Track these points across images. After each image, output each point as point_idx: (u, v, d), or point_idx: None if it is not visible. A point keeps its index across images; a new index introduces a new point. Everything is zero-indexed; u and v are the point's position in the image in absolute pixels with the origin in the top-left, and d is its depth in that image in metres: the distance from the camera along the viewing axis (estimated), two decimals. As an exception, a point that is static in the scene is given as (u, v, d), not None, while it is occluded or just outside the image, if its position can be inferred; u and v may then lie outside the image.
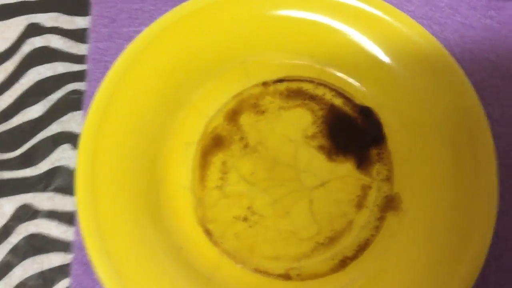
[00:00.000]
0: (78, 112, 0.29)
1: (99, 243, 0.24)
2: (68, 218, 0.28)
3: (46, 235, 0.27)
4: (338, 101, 0.29)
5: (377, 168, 0.28)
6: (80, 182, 0.25)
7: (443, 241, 0.25)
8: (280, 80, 0.30)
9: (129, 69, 0.27)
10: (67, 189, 0.28)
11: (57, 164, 0.29)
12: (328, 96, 0.29)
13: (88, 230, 0.24)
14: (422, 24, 0.32)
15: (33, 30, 0.31)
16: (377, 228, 0.27)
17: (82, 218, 0.24)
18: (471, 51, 0.32)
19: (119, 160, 0.26)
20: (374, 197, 0.28)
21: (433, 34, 0.32)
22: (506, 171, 0.29)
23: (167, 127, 0.28)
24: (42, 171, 0.28)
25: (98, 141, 0.25)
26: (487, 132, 0.26)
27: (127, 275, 0.24)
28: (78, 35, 0.31)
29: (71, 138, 0.29)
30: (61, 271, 0.27)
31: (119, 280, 0.23)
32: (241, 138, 0.29)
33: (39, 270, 0.27)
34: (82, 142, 0.25)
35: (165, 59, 0.28)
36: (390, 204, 0.27)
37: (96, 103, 0.26)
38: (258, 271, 0.26)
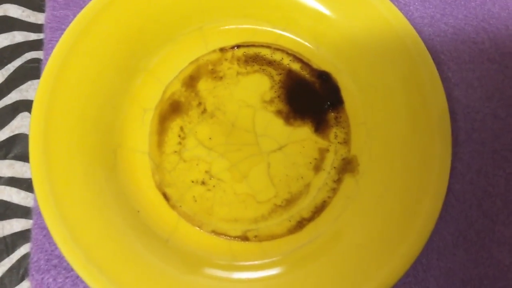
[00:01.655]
0: (36, 80, 0.30)
1: (54, 207, 0.24)
2: (28, 184, 0.28)
3: (7, 201, 0.28)
4: (295, 66, 0.30)
5: (335, 132, 0.29)
6: (34, 148, 0.25)
7: (398, 201, 0.25)
8: (238, 46, 0.30)
9: (82, 35, 0.27)
10: (27, 157, 0.28)
11: (16, 131, 0.29)
12: (286, 61, 0.30)
13: (43, 195, 0.24)
14: (381, -12, 0.32)
15: (-9, 0, 0.31)
16: (334, 190, 0.27)
17: (36, 184, 0.24)
18: (431, 15, 0.32)
19: (74, 126, 0.26)
20: (331, 160, 0.28)
21: (393, -1, 0.32)
22: (464, 134, 0.29)
23: (124, 93, 0.28)
24: (1, 139, 0.29)
25: (51, 107, 0.25)
26: (442, 95, 0.26)
27: (83, 238, 0.24)
28: (35, 4, 0.31)
29: (30, 106, 0.29)
30: (22, 236, 0.27)
31: (74, 243, 0.24)
32: (199, 104, 0.29)
33: (0, 235, 0.27)
34: (35, 108, 0.25)
35: (119, 26, 0.28)
36: (347, 166, 0.28)
37: (48, 69, 0.26)
38: (216, 233, 0.27)
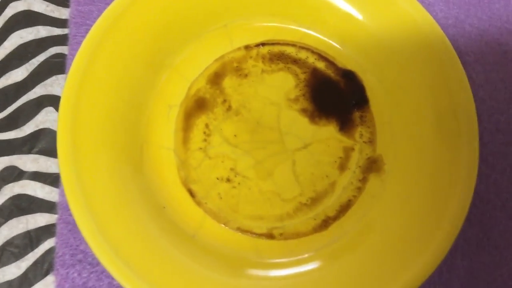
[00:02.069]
0: (61, 75, 0.29)
1: (82, 202, 0.24)
2: (52, 179, 0.28)
3: (31, 195, 0.28)
4: (320, 65, 0.30)
5: (360, 131, 0.28)
6: (62, 144, 0.25)
7: (424, 202, 0.25)
8: (263, 44, 0.30)
9: (109, 31, 0.26)
10: (52, 151, 0.28)
11: (41, 126, 0.29)
12: (311, 59, 0.30)
13: (71, 190, 0.24)
14: (406, -12, 0.32)
15: (16, -6, 0.31)
16: (359, 190, 0.27)
17: (65, 179, 0.24)
18: (455, 16, 0.32)
19: (101, 121, 0.26)
20: (356, 159, 0.28)
21: (417, -1, 0.32)
22: (489, 135, 0.29)
23: (150, 89, 0.28)
24: (26, 134, 0.29)
25: (79, 103, 0.25)
26: (469, 96, 0.26)
27: (111, 233, 0.24)
28: (60, -1, 0.31)
29: (54, 101, 0.29)
30: (47, 231, 0.27)
31: (103, 239, 0.24)
32: (224, 101, 0.29)
33: (24, 229, 0.27)
34: (63, 104, 0.25)
35: (145, 22, 0.27)
36: (372, 165, 0.28)
37: (76, 65, 0.26)
38: (241, 230, 0.27)
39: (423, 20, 0.28)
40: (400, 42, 0.28)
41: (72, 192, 0.24)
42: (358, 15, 0.29)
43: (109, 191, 0.25)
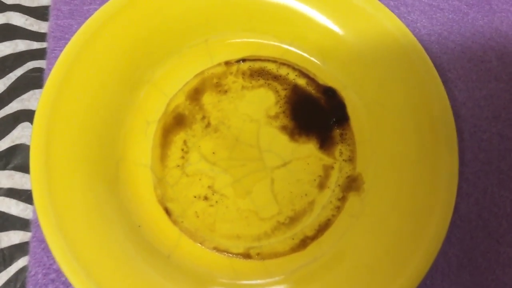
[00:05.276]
0: (38, 90, 0.29)
1: (53, 221, 0.23)
2: (27, 196, 0.27)
3: (5, 212, 0.27)
4: (301, 81, 0.29)
5: (340, 149, 0.28)
6: (34, 160, 0.24)
7: (404, 221, 0.25)
8: (243, 60, 0.29)
9: (86, 46, 0.26)
10: (27, 168, 0.28)
11: (17, 142, 0.28)
12: (292, 76, 0.29)
13: (42, 207, 0.24)
14: (389, 5, 0.32)
15: (-6, 7, 0.31)
16: (338, 209, 0.27)
17: (36, 196, 0.24)
18: (438, 33, 0.32)
19: (75, 137, 0.25)
20: (336, 178, 0.28)
21: (400, 15, 0.32)
22: (471, 153, 0.29)
23: (127, 105, 0.28)
24: (2, 149, 0.28)
25: (53, 118, 0.25)
26: (449, 114, 0.26)
27: (82, 253, 0.23)
28: (39, 13, 0.31)
29: (31, 116, 0.29)
30: (20, 249, 0.27)
31: (74, 258, 0.23)
32: (203, 117, 0.28)
33: (-3, 248, 0.27)
34: (37, 118, 0.25)
35: (124, 37, 0.27)
36: (352, 184, 0.27)
37: (51, 80, 0.25)
38: (217, 249, 0.26)
39: (403, 36, 0.27)
40: (379, 58, 0.28)
41: (43, 209, 0.24)
42: (339, 31, 0.29)
43: (83, 209, 0.25)
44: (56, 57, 0.29)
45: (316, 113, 0.29)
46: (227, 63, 0.29)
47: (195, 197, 0.27)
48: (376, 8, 0.28)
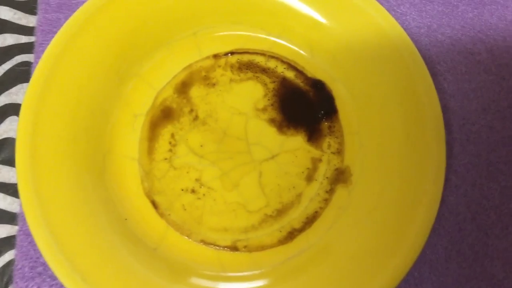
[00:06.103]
0: (26, 84, 0.29)
1: (39, 213, 0.24)
2: (14, 190, 0.27)
3: (-8, 207, 0.27)
4: (290, 74, 0.29)
5: (328, 141, 0.28)
6: (20, 152, 0.24)
7: (391, 213, 0.25)
8: (232, 53, 0.29)
9: (73, 39, 0.26)
10: (14, 161, 0.28)
11: (4, 135, 0.28)
12: (280, 69, 0.29)
13: (28, 201, 0.24)
14: (378, -3, 0.32)
15: (-17, 1, 0.31)
16: (326, 201, 0.27)
17: (22, 189, 0.24)
18: (428, 25, 0.31)
19: (62, 130, 0.25)
20: (324, 170, 0.28)
21: (390, 8, 0.32)
22: (459, 146, 0.29)
23: (115, 98, 0.28)
24: (-11, 143, 0.28)
25: (39, 111, 0.25)
26: (437, 107, 0.26)
27: (68, 245, 0.23)
28: (27, 7, 0.31)
29: (19, 110, 0.28)
30: (8, 243, 0.27)
31: (59, 251, 0.23)
32: (191, 110, 0.28)
33: (-16, 241, 0.26)
34: (23, 111, 0.25)
35: (111, 30, 0.27)
36: (340, 177, 0.27)
37: (38, 72, 0.25)
38: (204, 242, 0.26)
39: (391, 28, 0.27)
40: (368, 51, 0.28)
41: (28, 203, 0.24)
42: (327, 23, 0.28)
43: (69, 202, 0.25)
44: (44, 51, 0.29)
45: (304, 105, 0.29)
46: (216, 56, 0.29)
47: (182, 190, 0.27)
48: (365, 0, 0.28)
